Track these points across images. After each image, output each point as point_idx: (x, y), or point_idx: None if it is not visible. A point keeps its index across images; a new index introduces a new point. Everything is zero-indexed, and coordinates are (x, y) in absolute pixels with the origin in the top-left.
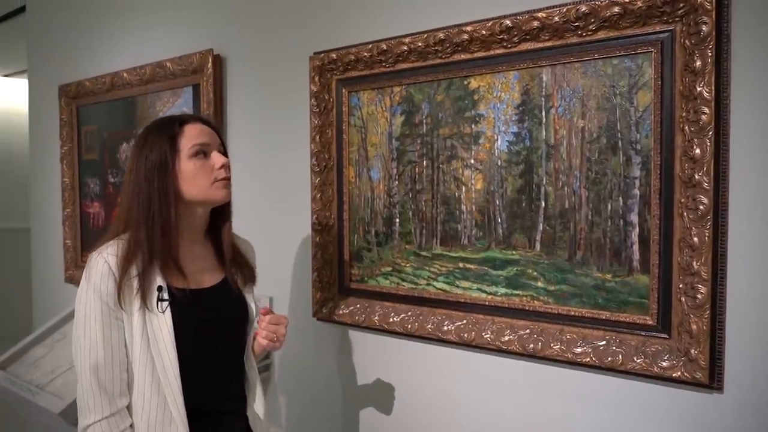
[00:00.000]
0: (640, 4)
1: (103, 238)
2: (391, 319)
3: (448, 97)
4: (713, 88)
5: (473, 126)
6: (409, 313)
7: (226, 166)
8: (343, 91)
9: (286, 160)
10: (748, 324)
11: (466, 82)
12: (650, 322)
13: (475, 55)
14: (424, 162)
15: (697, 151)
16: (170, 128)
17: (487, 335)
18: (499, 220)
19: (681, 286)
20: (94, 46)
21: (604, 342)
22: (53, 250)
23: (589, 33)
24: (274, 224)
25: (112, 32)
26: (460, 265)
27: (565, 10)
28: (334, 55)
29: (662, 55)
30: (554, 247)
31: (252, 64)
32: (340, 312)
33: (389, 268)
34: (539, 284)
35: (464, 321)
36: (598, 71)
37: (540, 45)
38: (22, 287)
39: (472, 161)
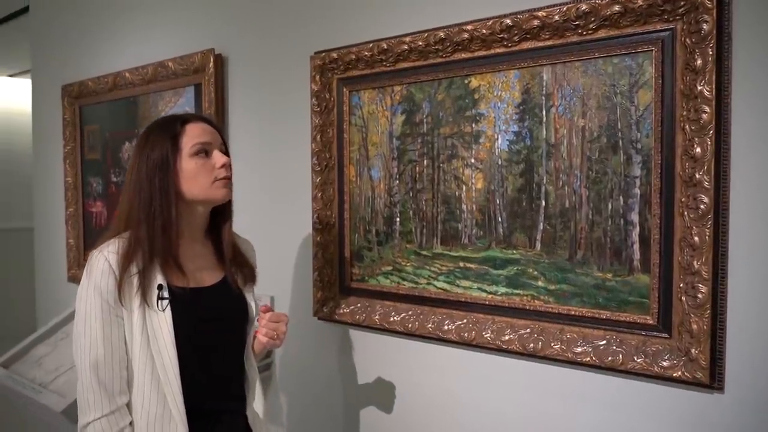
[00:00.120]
0: (641, 3)
1: (103, 237)
2: (391, 319)
3: (448, 96)
4: (714, 86)
5: (474, 125)
6: (410, 313)
7: (227, 166)
8: (344, 90)
9: (287, 160)
10: (749, 323)
11: (466, 81)
12: (651, 322)
13: (476, 54)
14: (425, 161)
15: (698, 150)
16: (172, 127)
17: (488, 335)
18: (500, 219)
19: (681, 285)
20: (97, 46)
21: (604, 341)
22: (56, 249)
23: (590, 32)
24: (275, 223)
25: (114, 32)
26: (461, 264)
27: (565, 8)
28: (334, 55)
29: (663, 54)
30: (555, 246)
31: (253, 64)
32: (341, 311)
33: (390, 268)
34: (540, 283)
35: (465, 320)
36: (599, 70)
37: (540, 44)
38: (26, 286)
39: (473, 160)
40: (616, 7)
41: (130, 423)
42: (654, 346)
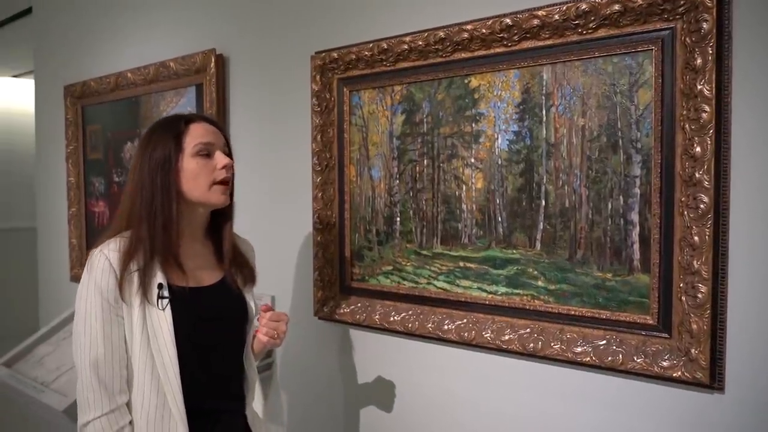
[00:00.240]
0: (641, 2)
1: (104, 234)
2: (391, 318)
3: (448, 95)
4: (714, 86)
5: (474, 125)
6: (410, 312)
7: (228, 167)
8: (345, 90)
9: (288, 159)
10: (749, 323)
11: (466, 81)
12: (651, 322)
13: (476, 53)
14: (425, 161)
15: (698, 149)
16: (176, 126)
17: (488, 334)
18: (500, 219)
19: (681, 285)
20: (99, 46)
21: (604, 341)
22: (59, 249)
23: (590, 31)
24: (276, 223)
25: (116, 32)
26: (461, 264)
27: (565, 8)
28: (335, 55)
29: (663, 53)
30: (554, 246)
31: (254, 64)
32: (341, 311)
33: (390, 267)
34: (539, 283)
35: (464, 320)
36: (599, 69)
37: (540, 43)
38: (28, 286)
39: (473, 160)
40: (616, 7)
41: (130, 422)
42: (654, 346)
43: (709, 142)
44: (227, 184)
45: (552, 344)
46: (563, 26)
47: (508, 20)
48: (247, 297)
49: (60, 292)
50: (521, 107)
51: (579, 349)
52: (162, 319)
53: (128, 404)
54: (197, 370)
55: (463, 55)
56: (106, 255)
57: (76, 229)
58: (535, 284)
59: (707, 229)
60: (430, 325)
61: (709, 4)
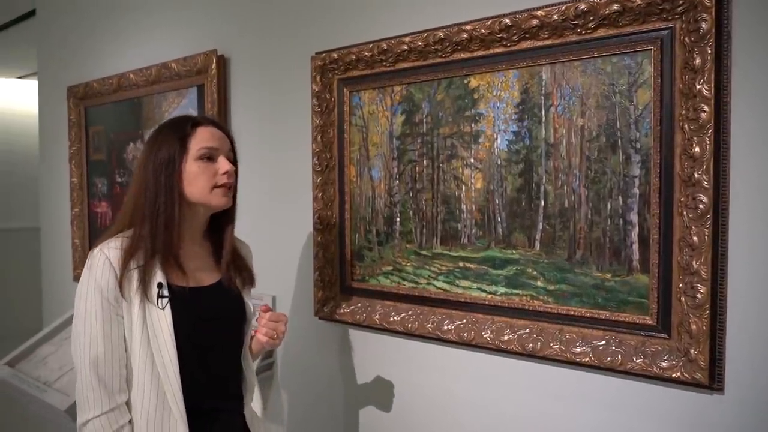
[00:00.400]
0: (639, 2)
1: (106, 233)
2: (391, 318)
3: (448, 96)
4: (713, 85)
5: (473, 125)
6: (410, 312)
7: (229, 173)
8: (345, 90)
9: (288, 160)
10: (749, 324)
11: (465, 81)
12: (650, 322)
13: (475, 54)
14: (425, 161)
15: (697, 149)
16: (182, 128)
17: (487, 335)
18: (499, 219)
19: (681, 285)
20: (101, 47)
21: (603, 342)
22: (62, 249)
23: (589, 31)
24: (276, 223)
25: (118, 34)
26: (460, 264)
27: (564, 8)
28: (335, 55)
29: (662, 53)
30: (554, 246)
31: (255, 65)
32: (342, 311)
33: (390, 267)
34: (539, 283)
35: (464, 320)
36: (598, 69)
37: (539, 43)
38: (31, 286)
39: (472, 160)
40: (615, 6)
41: (129, 421)
42: (653, 347)
43: (708, 142)
44: (229, 188)
45: (551, 344)
46: (562, 26)
47: (507, 20)
48: (245, 297)
49: (63, 292)
50: (520, 107)
51: (578, 350)
52: (162, 318)
53: (127, 403)
54: (196, 370)
55: (463, 55)
56: (106, 253)
57: (78, 229)
58: (535, 284)
59: (706, 230)
60: (429, 325)
61: (708, 4)
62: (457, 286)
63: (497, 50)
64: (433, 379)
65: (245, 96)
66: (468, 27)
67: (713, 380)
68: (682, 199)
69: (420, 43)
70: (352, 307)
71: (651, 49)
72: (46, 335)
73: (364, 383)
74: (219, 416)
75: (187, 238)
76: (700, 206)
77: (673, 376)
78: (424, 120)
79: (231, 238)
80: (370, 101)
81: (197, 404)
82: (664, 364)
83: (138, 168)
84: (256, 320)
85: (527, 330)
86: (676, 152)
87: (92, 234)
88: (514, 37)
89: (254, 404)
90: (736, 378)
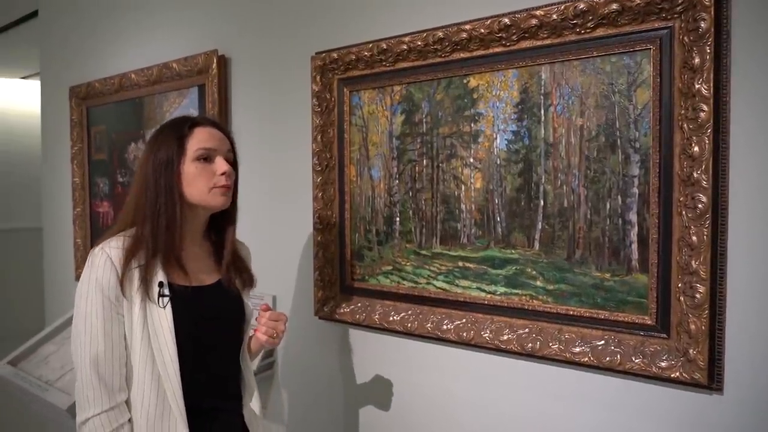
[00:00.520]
0: (639, 1)
1: (107, 233)
2: (391, 318)
3: (447, 95)
4: (712, 85)
5: (472, 124)
6: (409, 312)
7: (227, 174)
8: (345, 90)
9: (288, 159)
10: (748, 324)
11: (465, 81)
12: (649, 322)
13: (474, 53)
14: (424, 161)
15: (696, 148)
16: (181, 129)
17: (486, 334)
18: (498, 218)
19: (680, 285)
20: (103, 48)
21: (602, 342)
22: (64, 249)
23: (588, 30)
24: (276, 223)
25: (119, 34)
26: (460, 264)
27: (563, 7)
28: (335, 55)
29: (661, 52)
30: (553, 246)
31: (255, 65)
32: (342, 310)
33: (390, 267)
34: (538, 283)
35: (463, 320)
36: (597, 69)
37: (539, 43)
38: (33, 286)
39: (472, 160)
40: (614, 6)
41: (129, 420)
42: (652, 347)
43: (707, 141)
44: (227, 188)
45: (550, 344)
46: (561, 26)
47: (506, 20)
48: (244, 298)
49: (65, 292)
50: (520, 107)
51: (577, 350)
52: (163, 317)
53: (127, 402)
54: (196, 369)
55: (462, 55)
56: (108, 252)
57: (81, 229)
58: (534, 284)
59: (705, 229)
60: (429, 324)
61: (707, 3)
62: (457, 285)
63: (496, 50)
64: (433, 379)
65: (245, 96)
66: (467, 27)
67: (712, 380)
68: (681, 199)
69: (419, 43)
70: (352, 306)
71: (650, 48)
72: (47, 334)
73: (364, 383)
74: (218, 415)
75: (187, 239)
76: (699, 206)
77: (672, 376)
78: (424, 120)
79: (233, 239)
80: (370, 101)
81: (197, 403)
82: (663, 364)
83: (139, 168)
84: (256, 319)
85: (526, 330)
86: (676, 152)
87: (94, 234)
88: (514, 37)
89: (253, 404)
90: (736, 378)
